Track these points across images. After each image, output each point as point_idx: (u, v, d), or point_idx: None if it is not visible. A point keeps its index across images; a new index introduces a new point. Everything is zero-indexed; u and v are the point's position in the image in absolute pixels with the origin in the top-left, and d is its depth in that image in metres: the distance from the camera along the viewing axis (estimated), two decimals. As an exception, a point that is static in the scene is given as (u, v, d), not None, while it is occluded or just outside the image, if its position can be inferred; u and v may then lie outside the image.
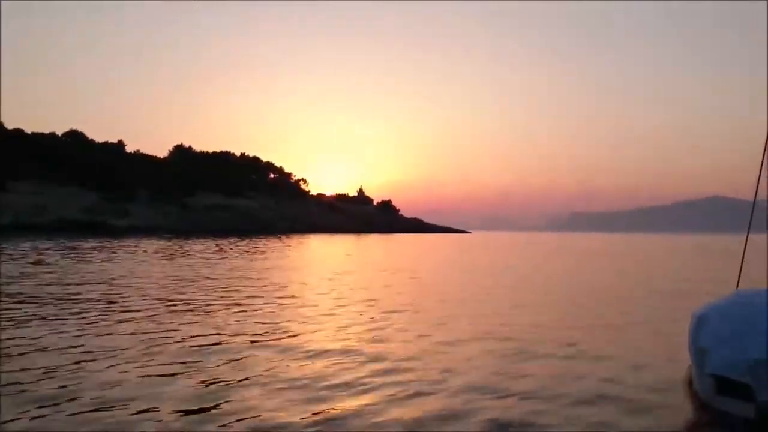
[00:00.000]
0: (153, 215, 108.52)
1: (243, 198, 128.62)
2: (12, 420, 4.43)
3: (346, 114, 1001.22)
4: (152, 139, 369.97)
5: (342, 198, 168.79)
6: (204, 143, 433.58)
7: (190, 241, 49.84)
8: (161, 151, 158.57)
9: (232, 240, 56.17)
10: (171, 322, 8.90)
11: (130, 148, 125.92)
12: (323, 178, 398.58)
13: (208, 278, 16.37)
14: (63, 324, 8.62)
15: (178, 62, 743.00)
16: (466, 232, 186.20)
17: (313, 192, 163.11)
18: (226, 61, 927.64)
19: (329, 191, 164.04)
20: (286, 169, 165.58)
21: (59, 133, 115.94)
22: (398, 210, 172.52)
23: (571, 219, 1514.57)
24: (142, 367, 6.13)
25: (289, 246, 44.79)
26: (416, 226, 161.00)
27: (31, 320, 8.90)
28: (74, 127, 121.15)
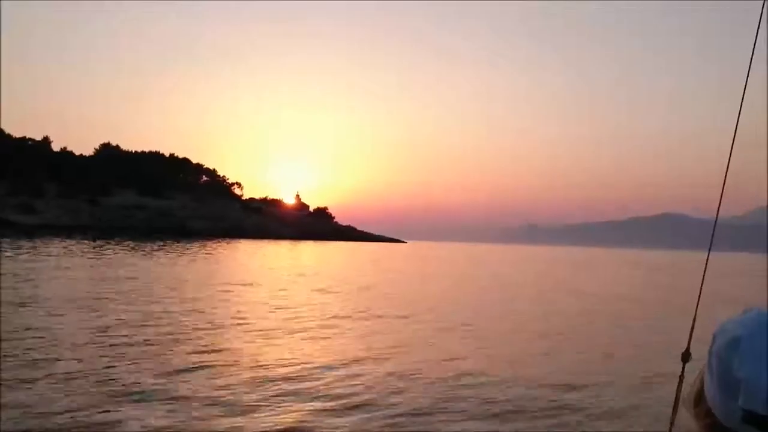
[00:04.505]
0: (62, 213, 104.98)
1: (162, 198, 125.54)
2: None
3: (308, 116, 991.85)
4: (98, 140, 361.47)
5: (277, 203, 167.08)
6: (152, 144, 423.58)
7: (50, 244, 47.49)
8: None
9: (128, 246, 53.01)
10: None
11: (58, 146, 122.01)
12: (283, 182, 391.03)
13: None
14: None
15: (140, 56, 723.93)
16: (402, 241, 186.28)
17: (248, 196, 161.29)
18: (190, 55, 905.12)
19: (287, 195, 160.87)
20: (222, 173, 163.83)
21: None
22: (333, 217, 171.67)
23: (526, 231, 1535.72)
24: None
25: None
26: (349, 234, 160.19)
27: None
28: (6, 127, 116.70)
